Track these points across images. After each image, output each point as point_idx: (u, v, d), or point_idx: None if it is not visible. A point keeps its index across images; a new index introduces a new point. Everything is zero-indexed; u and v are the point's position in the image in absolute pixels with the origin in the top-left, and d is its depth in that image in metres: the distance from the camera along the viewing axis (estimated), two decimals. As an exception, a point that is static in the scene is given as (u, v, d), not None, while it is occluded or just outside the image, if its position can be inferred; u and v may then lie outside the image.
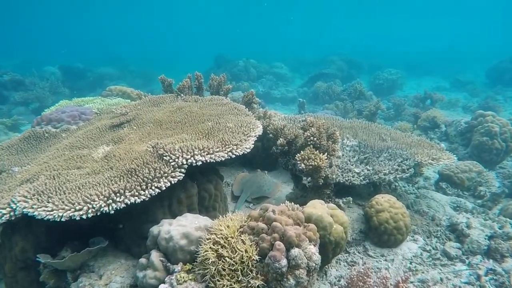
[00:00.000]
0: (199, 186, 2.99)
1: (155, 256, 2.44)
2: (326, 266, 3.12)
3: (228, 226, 2.43)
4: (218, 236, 2.36)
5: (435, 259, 3.31)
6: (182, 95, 4.46)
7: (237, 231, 2.41)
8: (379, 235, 3.45)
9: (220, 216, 2.95)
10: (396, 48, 30.67)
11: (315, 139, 3.39)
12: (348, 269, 3.19)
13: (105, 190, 2.49)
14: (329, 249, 2.76)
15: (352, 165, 4.20)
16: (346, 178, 3.76)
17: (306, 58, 23.82)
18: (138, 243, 2.82)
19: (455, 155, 4.43)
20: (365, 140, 4.68)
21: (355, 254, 3.41)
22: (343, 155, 4.35)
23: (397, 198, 4.51)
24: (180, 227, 2.49)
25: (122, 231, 2.89)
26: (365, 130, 4.97)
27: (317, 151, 3.30)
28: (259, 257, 2.23)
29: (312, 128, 3.39)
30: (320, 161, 3.14)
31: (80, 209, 2.34)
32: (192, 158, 2.73)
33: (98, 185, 2.60)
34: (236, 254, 2.23)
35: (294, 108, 12.18)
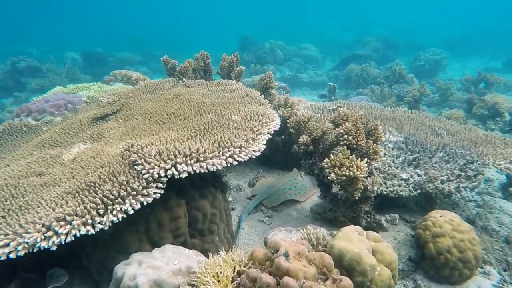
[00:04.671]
0: (189, 204, 2.20)
1: (115, 312, 1.70)
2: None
3: (217, 274, 1.63)
4: (202, 292, 1.57)
5: (520, 308, 2.36)
6: (184, 79, 3.66)
7: (231, 283, 1.61)
8: (436, 268, 2.54)
9: (220, 243, 2.17)
10: (437, 25, 27.99)
11: (350, 137, 2.48)
12: (394, 317, 2.32)
13: (47, 216, 1.76)
14: (370, 302, 1.91)
15: (397, 167, 3.25)
16: (391, 189, 2.83)
17: (339, 39, 22.19)
18: (106, 278, 2.10)
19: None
20: (414, 134, 3.68)
21: (402, 292, 2.52)
22: (384, 154, 3.40)
23: (452, 208, 3.56)
24: (151, 271, 1.73)
25: (88, 261, 2.18)
26: (413, 122, 3.96)
27: (353, 154, 2.41)
28: (261, 333, 1.43)
29: (347, 123, 2.48)
30: (357, 171, 2.24)
31: (3, 246, 1.62)
32: (173, 168, 1.93)
33: (43, 205, 1.88)
34: (226, 326, 1.44)
35: (324, 93, 11.10)
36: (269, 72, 3.95)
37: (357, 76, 10.87)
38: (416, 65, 12.94)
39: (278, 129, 2.70)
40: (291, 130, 3.03)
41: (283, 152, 4.04)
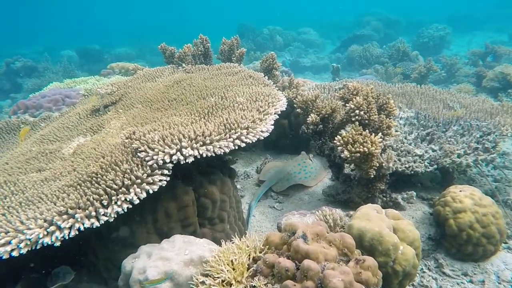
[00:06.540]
0: (197, 191, 2.09)
1: (126, 307, 1.62)
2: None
3: (232, 262, 1.53)
4: (216, 281, 1.47)
5: (549, 281, 2.24)
6: (183, 65, 3.53)
7: (247, 271, 1.51)
8: (459, 245, 2.42)
9: (231, 231, 2.07)
10: (436, 1, 27.26)
11: (361, 112, 2.35)
12: (417, 298, 2.23)
13: (48, 210, 1.66)
14: (394, 283, 1.81)
15: (410, 144, 3.12)
16: (407, 165, 2.71)
17: (338, 21, 21.71)
18: (115, 275, 2.01)
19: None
20: (425, 109, 3.54)
21: (424, 272, 2.42)
22: (396, 131, 3.26)
23: (469, 184, 3.42)
24: (161, 263, 1.63)
25: (95, 258, 2.09)
26: (423, 97, 3.80)
27: (366, 130, 2.28)
28: (282, 321, 1.33)
29: (357, 97, 2.35)
30: (372, 146, 2.12)
31: (5, 244, 1.53)
32: (178, 153, 1.82)
33: (44, 200, 1.78)
34: (245, 316, 1.34)
35: (327, 77, 10.87)
36: (272, 52, 3.80)
37: (359, 56, 10.63)
38: (419, 43, 12.62)
39: (284, 109, 2.58)
40: (298, 110, 2.90)
41: (290, 136, 3.92)
